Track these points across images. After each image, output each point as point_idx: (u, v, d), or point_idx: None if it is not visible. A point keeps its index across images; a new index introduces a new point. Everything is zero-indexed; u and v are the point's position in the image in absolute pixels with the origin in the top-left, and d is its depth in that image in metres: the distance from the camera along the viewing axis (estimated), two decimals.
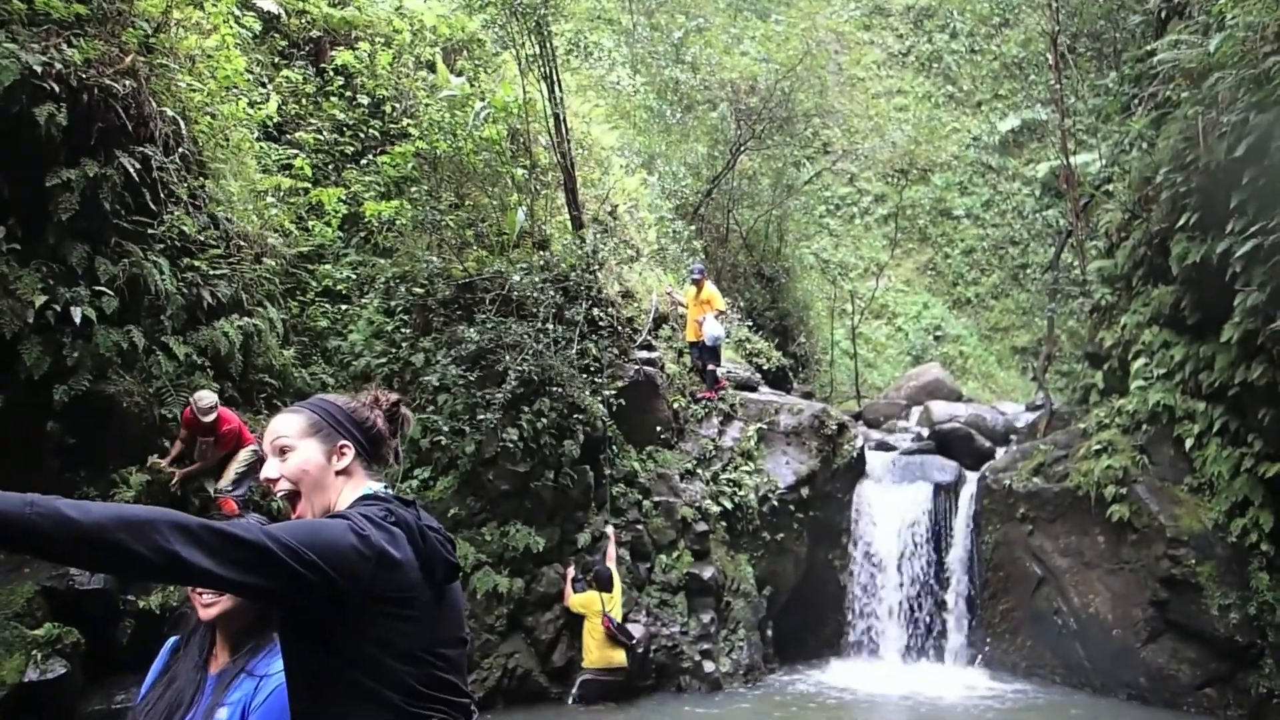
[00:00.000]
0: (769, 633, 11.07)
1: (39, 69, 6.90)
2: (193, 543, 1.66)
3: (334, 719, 1.98)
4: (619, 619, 9.11)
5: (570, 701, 9.00)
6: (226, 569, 1.70)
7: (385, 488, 2.21)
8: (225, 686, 2.33)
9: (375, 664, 1.96)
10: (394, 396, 2.39)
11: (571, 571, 9.43)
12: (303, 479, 2.17)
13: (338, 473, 2.19)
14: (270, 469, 2.18)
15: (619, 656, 9.09)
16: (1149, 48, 11.71)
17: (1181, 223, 9.45)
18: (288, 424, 2.21)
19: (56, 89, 7.06)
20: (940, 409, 15.54)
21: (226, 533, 1.71)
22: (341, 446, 2.20)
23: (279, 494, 2.17)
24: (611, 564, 9.41)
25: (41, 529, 1.54)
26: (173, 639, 2.52)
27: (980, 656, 11.34)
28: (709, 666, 9.89)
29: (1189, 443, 9.77)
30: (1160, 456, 10.15)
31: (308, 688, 2.03)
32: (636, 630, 9.40)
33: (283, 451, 2.18)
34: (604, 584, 9.20)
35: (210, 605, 2.36)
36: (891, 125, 24.32)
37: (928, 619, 11.59)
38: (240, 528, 1.74)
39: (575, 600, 9.20)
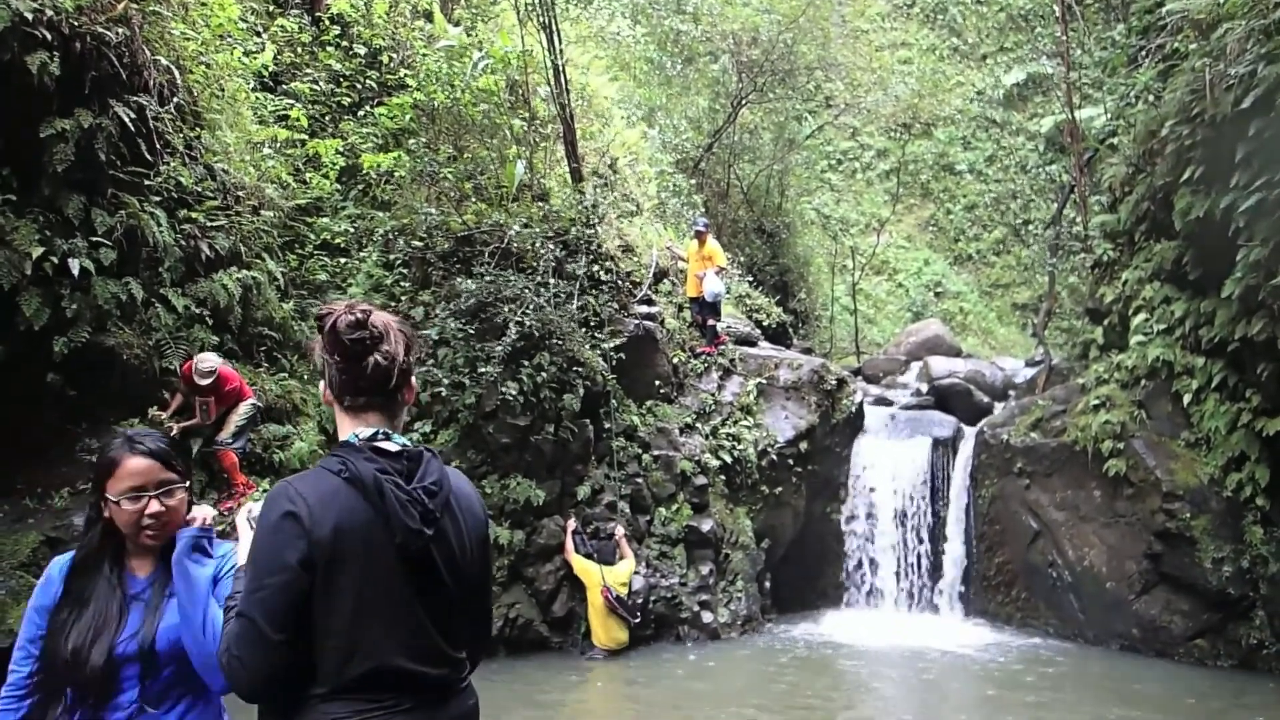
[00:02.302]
0: (767, 584, 11.20)
1: (30, 16, 6.79)
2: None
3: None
4: (620, 592, 9.23)
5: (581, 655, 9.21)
6: (252, 665, 1.96)
7: (378, 431, 2.14)
8: (168, 579, 2.48)
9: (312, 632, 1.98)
10: (323, 315, 2.13)
11: (572, 524, 9.52)
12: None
13: (334, 407, 2.20)
14: None
15: (622, 635, 9.28)
16: None
17: (1186, 177, 9.36)
18: None
19: (48, 37, 6.95)
20: (939, 365, 15.55)
21: (234, 653, 1.96)
22: (320, 382, 2.22)
23: None
24: (627, 558, 9.54)
25: None
26: (62, 562, 2.53)
27: (975, 609, 11.49)
28: (707, 617, 10.02)
29: (1187, 398, 9.80)
30: (1158, 411, 10.18)
31: None
32: (637, 582, 9.51)
33: None
34: (606, 558, 9.36)
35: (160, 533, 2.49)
36: (895, 78, 23.95)
37: (924, 572, 11.72)
38: (235, 637, 1.97)
39: (577, 564, 9.32)
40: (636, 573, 9.60)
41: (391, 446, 2.12)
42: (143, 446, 2.47)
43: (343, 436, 2.13)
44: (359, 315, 2.08)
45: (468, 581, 2.18)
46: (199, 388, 7.63)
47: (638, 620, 9.36)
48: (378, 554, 1.99)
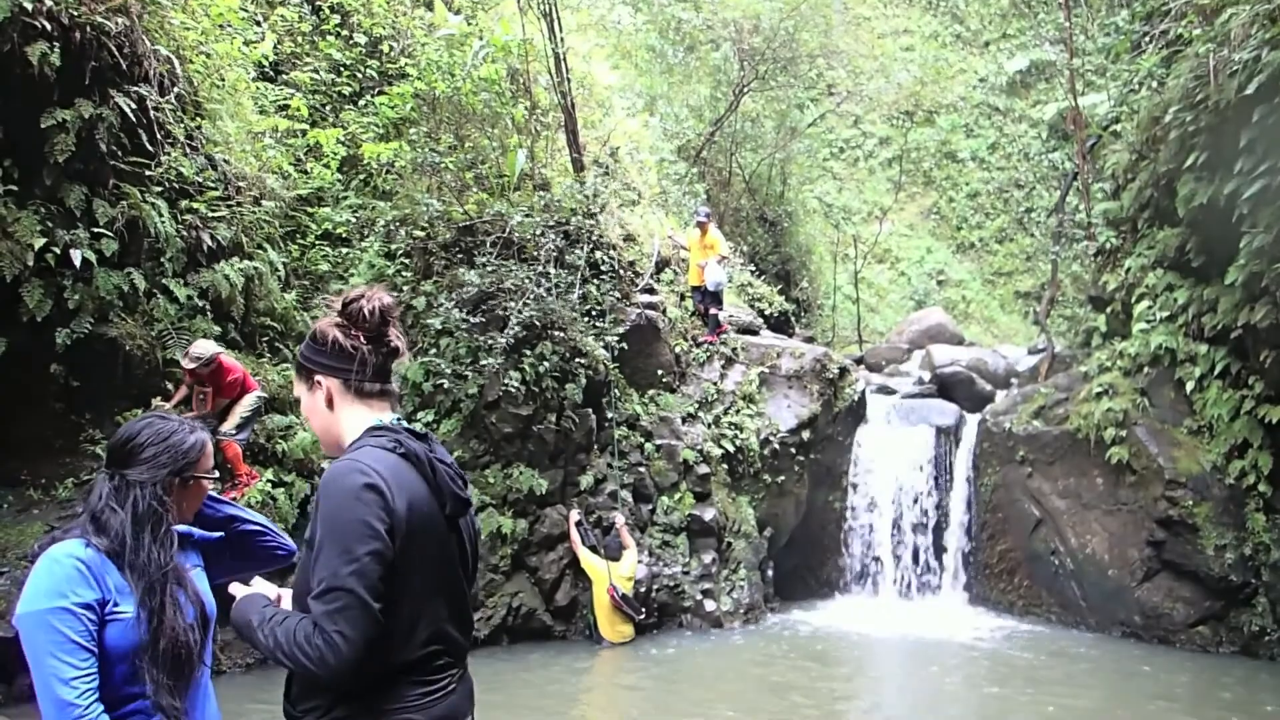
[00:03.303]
0: (769, 572, 11.23)
1: (29, 6, 6.77)
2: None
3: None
4: (626, 589, 9.25)
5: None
6: (355, 638, 1.91)
7: (397, 417, 2.19)
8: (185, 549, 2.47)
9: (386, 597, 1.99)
10: (353, 301, 2.16)
11: (575, 515, 9.52)
12: (309, 422, 2.27)
13: (328, 405, 2.21)
14: None
15: (627, 630, 9.33)
16: None
17: (1189, 163, 9.33)
18: (294, 372, 2.33)
19: (48, 27, 6.94)
20: (942, 353, 15.53)
21: (333, 628, 1.91)
22: (315, 379, 2.22)
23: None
24: (629, 549, 9.53)
25: (247, 638, 2.07)
26: (78, 551, 2.18)
27: (977, 596, 11.52)
28: (710, 605, 10.05)
29: (1190, 385, 9.80)
30: (1161, 399, 10.18)
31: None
32: (640, 571, 9.54)
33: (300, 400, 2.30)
34: (613, 554, 9.37)
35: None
36: (897, 66, 23.88)
37: (927, 560, 11.74)
38: (333, 614, 1.91)
39: (584, 559, 9.32)
40: (640, 561, 9.63)
41: (417, 428, 2.21)
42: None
43: (358, 429, 2.16)
44: (385, 296, 2.19)
45: (475, 558, 2.32)
46: (198, 376, 7.63)
47: (643, 616, 9.40)
48: (434, 525, 2.08)
